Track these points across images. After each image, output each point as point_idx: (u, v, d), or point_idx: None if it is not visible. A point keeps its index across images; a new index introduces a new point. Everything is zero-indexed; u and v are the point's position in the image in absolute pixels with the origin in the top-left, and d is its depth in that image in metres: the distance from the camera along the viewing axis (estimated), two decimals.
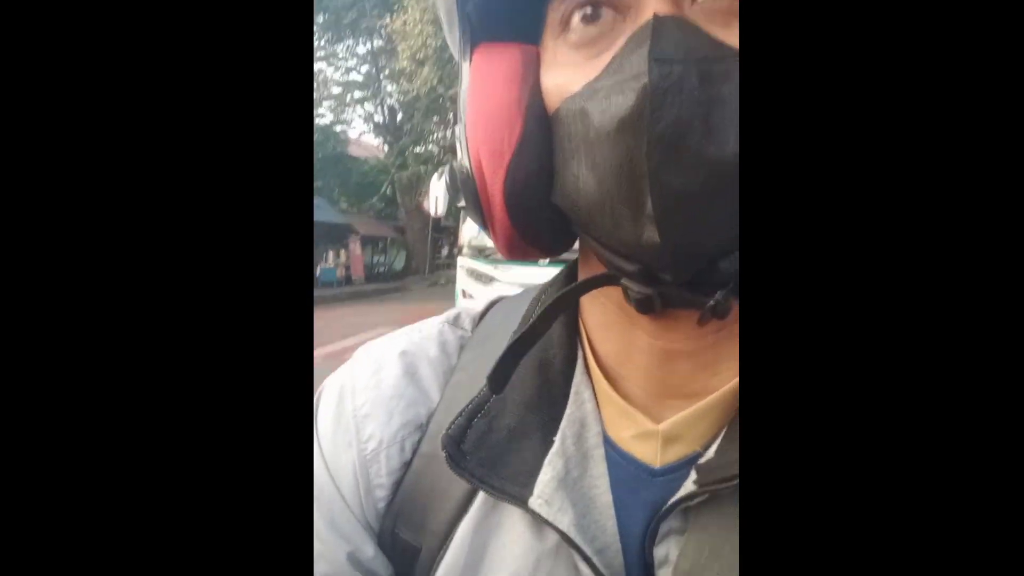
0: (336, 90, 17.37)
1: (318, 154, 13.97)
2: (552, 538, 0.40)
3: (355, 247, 14.36)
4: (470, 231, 6.09)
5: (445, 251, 16.52)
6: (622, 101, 0.33)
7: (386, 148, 17.03)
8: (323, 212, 13.43)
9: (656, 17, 0.34)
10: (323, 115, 16.70)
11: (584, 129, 0.35)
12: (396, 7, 12.50)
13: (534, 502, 0.39)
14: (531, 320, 0.41)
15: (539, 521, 0.40)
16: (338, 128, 17.20)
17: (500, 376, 0.41)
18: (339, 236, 14.14)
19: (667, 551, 0.39)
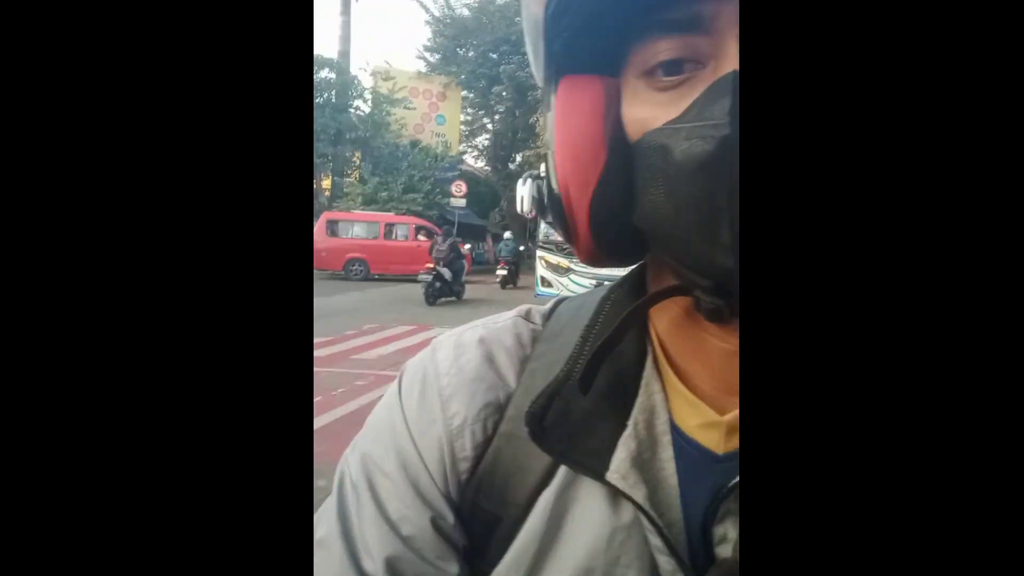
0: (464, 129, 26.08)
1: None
2: (627, 513, 0.43)
3: (489, 241, 23.28)
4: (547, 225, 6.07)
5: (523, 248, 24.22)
6: (703, 146, 0.36)
7: (490, 170, 25.86)
8: (471, 218, 22.26)
9: (736, 73, 0.36)
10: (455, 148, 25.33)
11: (664, 163, 0.38)
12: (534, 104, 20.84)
13: (611, 476, 0.43)
14: (612, 327, 0.45)
15: (615, 496, 0.43)
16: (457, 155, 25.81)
17: (588, 377, 0.45)
18: (480, 234, 23.14)
19: (725, 530, 0.42)
